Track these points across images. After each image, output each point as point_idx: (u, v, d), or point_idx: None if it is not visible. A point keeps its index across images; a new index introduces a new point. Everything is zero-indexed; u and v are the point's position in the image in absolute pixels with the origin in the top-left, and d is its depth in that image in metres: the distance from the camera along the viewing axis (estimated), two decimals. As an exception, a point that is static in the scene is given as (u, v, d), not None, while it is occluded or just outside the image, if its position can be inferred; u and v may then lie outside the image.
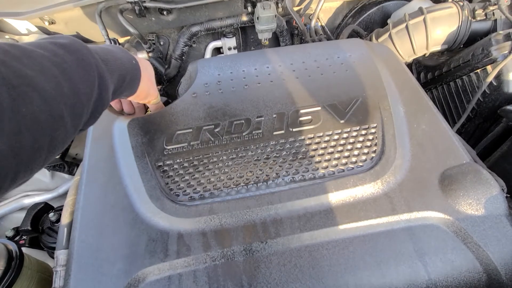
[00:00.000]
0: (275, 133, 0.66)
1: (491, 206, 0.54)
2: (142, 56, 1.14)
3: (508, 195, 0.59)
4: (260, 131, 0.66)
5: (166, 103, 0.76)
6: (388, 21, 1.29)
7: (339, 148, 0.63)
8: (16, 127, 0.28)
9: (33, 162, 0.31)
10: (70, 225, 0.62)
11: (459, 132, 0.96)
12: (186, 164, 0.62)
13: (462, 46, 0.98)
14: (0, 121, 0.26)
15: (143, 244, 0.54)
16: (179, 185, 0.60)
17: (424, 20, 0.93)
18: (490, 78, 0.79)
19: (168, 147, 0.64)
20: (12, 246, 0.58)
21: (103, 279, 0.51)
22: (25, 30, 1.13)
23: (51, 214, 0.82)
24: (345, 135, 0.65)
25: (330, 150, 0.63)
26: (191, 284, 0.51)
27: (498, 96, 0.81)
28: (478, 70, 0.85)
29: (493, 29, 0.92)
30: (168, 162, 0.62)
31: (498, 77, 0.80)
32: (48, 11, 1.00)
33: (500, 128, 0.77)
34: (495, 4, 0.86)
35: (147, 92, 0.61)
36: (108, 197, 0.60)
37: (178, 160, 0.63)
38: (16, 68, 0.29)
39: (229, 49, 1.39)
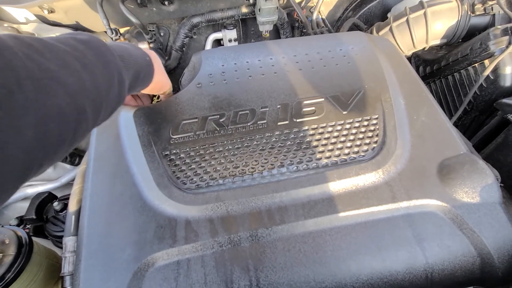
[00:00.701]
0: (279, 123, 0.67)
1: (486, 194, 0.57)
2: (143, 47, 1.14)
3: (502, 185, 0.61)
4: (265, 121, 0.68)
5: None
6: (388, 14, 1.30)
7: (342, 139, 0.65)
8: (42, 119, 0.28)
9: (57, 154, 0.32)
10: (77, 213, 0.63)
11: (455, 124, 0.98)
12: (192, 153, 0.63)
13: (460, 40, 1.00)
14: (26, 113, 0.27)
15: (151, 230, 0.55)
16: (186, 173, 0.61)
17: (425, 13, 0.94)
18: (487, 72, 0.81)
19: (174, 137, 0.65)
20: (22, 233, 0.59)
21: (113, 264, 0.53)
22: (23, 19, 1.11)
23: (55, 203, 0.83)
24: (347, 126, 0.66)
25: (333, 140, 0.65)
26: (199, 269, 0.52)
27: (495, 90, 0.83)
28: (476, 64, 0.87)
29: (491, 24, 0.94)
30: (174, 151, 0.63)
31: (495, 71, 0.82)
32: (49, 0, 0.99)
33: (495, 121, 0.79)
34: (494, -1, 0.88)
35: (162, 85, 0.64)
36: (116, 185, 0.61)
37: (184, 149, 0.64)
38: (40, 62, 0.30)
39: (230, 41, 1.39)
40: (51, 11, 1.06)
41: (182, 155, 0.63)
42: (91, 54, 0.38)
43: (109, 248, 0.54)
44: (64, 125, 0.31)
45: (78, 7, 1.06)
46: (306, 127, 0.66)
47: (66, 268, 0.59)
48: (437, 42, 0.98)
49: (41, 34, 1.03)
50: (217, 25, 1.37)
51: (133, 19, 1.00)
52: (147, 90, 0.62)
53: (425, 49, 1.04)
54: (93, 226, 0.57)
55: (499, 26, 0.83)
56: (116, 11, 1.09)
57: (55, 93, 0.30)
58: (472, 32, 0.98)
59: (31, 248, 0.58)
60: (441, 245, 0.54)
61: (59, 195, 0.90)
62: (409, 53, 1.05)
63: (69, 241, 0.61)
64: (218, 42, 1.44)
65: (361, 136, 0.65)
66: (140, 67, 0.53)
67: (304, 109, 0.69)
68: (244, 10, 1.24)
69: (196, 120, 0.68)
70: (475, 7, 0.91)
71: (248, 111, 0.69)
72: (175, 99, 0.71)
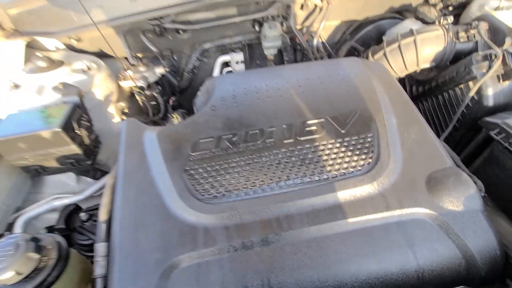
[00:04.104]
0: (285, 141, 0.76)
1: (469, 203, 0.64)
2: (159, 71, 1.25)
3: (485, 195, 0.69)
4: (272, 139, 0.77)
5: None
6: (383, 37, 1.41)
7: (341, 155, 0.73)
8: None
9: None
10: (108, 221, 0.71)
11: (447, 140, 1.06)
12: (209, 168, 0.72)
13: (448, 63, 1.09)
14: None
15: (175, 236, 0.63)
16: (204, 186, 0.70)
17: (415, 40, 1.04)
18: (472, 93, 0.90)
19: (193, 154, 0.75)
20: (61, 240, 0.67)
21: (143, 266, 0.60)
22: (53, 47, 1.23)
23: (82, 214, 0.92)
24: (345, 144, 0.75)
25: (333, 156, 0.73)
26: (217, 270, 0.60)
27: (479, 109, 0.92)
28: (462, 85, 0.96)
29: (475, 49, 1.04)
30: (193, 167, 0.72)
31: (478, 92, 0.91)
32: (77, 31, 1.11)
33: (481, 137, 0.87)
34: (475, 28, 0.98)
35: None
36: (143, 196, 0.69)
37: (202, 165, 0.73)
38: None
39: (237, 62, 1.51)
40: (78, 40, 1.19)
41: (200, 170, 0.72)
42: None
43: (139, 252, 0.62)
44: None
45: (101, 37, 1.19)
46: (309, 145, 0.75)
47: (98, 271, 0.66)
48: (427, 65, 1.08)
49: (69, 60, 1.14)
50: (225, 49, 1.49)
51: (152, 48, 1.13)
52: None
53: (417, 71, 1.13)
54: (124, 232, 0.65)
55: (480, 52, 0.93)
56: (136, 39, 1.21)
57: None
58: (459, 56, 1.07)
59: (68, 253, 0.66)
60: (430, 249, 0.61)
61: (83, 206, 0.98)
62: (403, 75, 1.15)
63: (100, 247, 0.68)
64: (225, 64, 1.56)
65: (357, 152, 0.73)
66: None
67: (307, 129, 0.78)
68: (251, 36, 1.37)
69: (212, 139, 0.77)
70: (459, 34, 1.01)
71: (257, 131, 0.78)
72: (193, 121, 0.81)
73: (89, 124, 0.93)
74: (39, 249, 0.61)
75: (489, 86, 0.89)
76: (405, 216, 0.65)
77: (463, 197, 0.65)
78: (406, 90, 1.29)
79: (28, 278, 0.59)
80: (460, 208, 0.64)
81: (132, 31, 1.15)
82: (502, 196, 0.81)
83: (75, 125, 0.86)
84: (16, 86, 0.96)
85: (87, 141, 0.91)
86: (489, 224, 0.63)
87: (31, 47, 1.19)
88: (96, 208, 0.98)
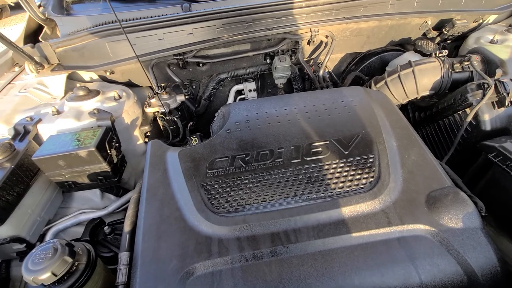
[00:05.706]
0: (293, 161, 0.84)
1: (468, 220, 0.68)
2: (180, 98, 1.38)
3: (485, 214, 0.72)
4: (281, 159, 0.84)
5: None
6: (386, 68, 1.52)
7: (344, 174, 0.80)
8: None
9: None
10: (131, 232, 0.79)
11: (450, 163, 1.10)
12: (224, 185, 0.80)
13: (447, 91, 1.17)
14: None
15: (192, 246, 0.70)
16: (219, 201, 0.77)
17: (413, 71, 1.13)
18: (469, 119, 0.96)
19: (210, 171, 0.83)
20: (89, 247, 0.74)
21: (162, 272, 0.66)
22: (88, 78, 1.41)
23: (105, 227, 1.00)
24: (348, 163, 0.82)
25: (337, 175, 0.80)
26: (229, 278, 0.65)
27: (478, 133, 0.97)
28: (460, 112, 1.02)
29: (471, 79, 1.11)
30: (210, 183, 0.80)
31: (475, 117, 0.97)
32: (112, 65, 1.28)
33: (481, 159, 0.91)
34: (468, 60, 1.06)
35: None
36: (164, 209, 0.77)
37: (218, 181, 0.80)
38: None
39: (250, 91, 1.64)
40: (112, 72, 1.36)
41: (216, 186, 0.80)
42: None
43: (159, 259, 0.68)
44: None
45: (132, 70, 1.35)
46: (315, 164, 0.82)
47: (120, 278, 0.72)
48: (426, 93, 1.16)
49: (102, 89, 1.30)
50: (239, 78, 1.63)
51: (176, 78, 1.27)
52: None
53: (418, 98, 1.21)
54: (147, 241, 0.72)
55: (474, 82, 1.00)
56: (161, 71, 1.37)
57: None
58: (457, 85, 1.15)
59: (96, 260, 0.73)
60: (431, 264, 0.64)
61: (106, 221, 1.06)
62: (404, 102, 1.23)
63: (123, 256, 0.75)
64: (239, 92, 1.70)
65: (360, 171, 0.80)
66: None
67: (313, 150, 0.86)
68: (263, 67, 1.51)
69: (227, 158, 0.86)
70: (455, 65, 1.10)
71: (268, 151, 0.86)
72: (210, 142, 0.90)
73: (118, 145, 1.05)
74: (73, 253, 0.69)
75: (485, 112, 0.95)
76: (406, 232, 0.69)
77: (461, 214, 0.69)
78: (409, 116, 1.36)
79: (61, 280, 0.67)
80: (459, 225, 0.68)
81: (158, 65, 1.31)
82: (505, 216, 0.83)
83: (107, 146, 0.97)
84: (58, 112, 1.11)
85: (115, 160, 1.02)
86: (488, 241, 0.65)
87: (69, 78, 1.36)
88: (118, 222, 1.06)
